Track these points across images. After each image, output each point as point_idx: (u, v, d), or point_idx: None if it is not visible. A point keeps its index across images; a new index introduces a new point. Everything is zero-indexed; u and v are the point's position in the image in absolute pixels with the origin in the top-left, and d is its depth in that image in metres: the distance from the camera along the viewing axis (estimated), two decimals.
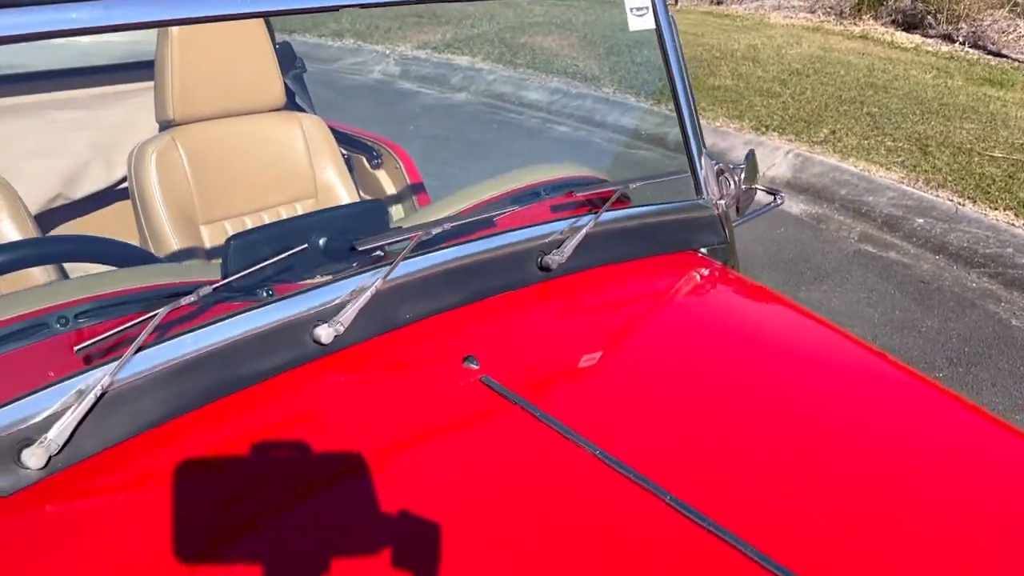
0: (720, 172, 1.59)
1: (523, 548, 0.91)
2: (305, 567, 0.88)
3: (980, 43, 8.61)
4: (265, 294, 1.13)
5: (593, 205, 1.45)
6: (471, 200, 1.41)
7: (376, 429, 1.05)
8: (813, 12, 10.07)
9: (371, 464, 0.99)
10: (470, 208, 1.37)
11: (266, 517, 0.94)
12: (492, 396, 1.08)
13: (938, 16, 8.88)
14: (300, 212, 2.26)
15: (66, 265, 1.73)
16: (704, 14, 10.51)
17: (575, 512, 0.96)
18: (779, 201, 1.67)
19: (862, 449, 1.13)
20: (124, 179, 2.47)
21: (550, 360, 1.20)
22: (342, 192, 2.30)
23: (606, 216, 1.43)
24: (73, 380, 0.95)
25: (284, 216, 2.27)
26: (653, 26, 1.50)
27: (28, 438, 0.91)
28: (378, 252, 1.22)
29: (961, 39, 8.72)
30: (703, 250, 1.58)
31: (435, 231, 1.23)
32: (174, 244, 2.06)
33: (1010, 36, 8.58)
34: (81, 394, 0.94)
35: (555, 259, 1.33)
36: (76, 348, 0.95)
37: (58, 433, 0.91)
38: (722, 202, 1.58)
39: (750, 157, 1.68)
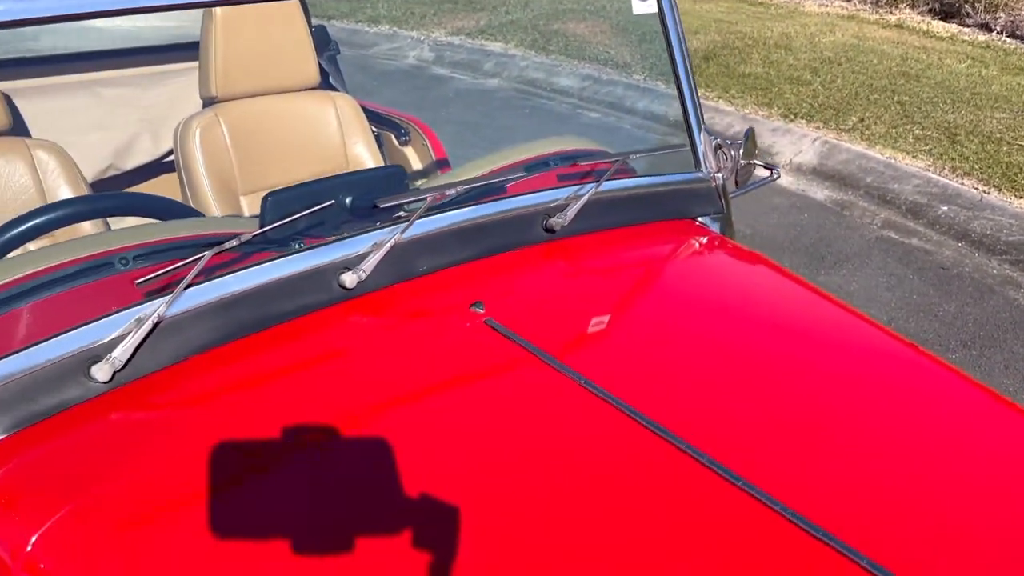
0: (718, 147, 1.71)
1: (511, 464, 1.05)
2: (326, 470, 1.03)
3: (1018, 32, 8.50)
4: (297, 246, 1.29)
5: (597, 175, 1.58)
6: (485, 168, 1.55)
7: (391, 361, 1.20)
8: (848, 0, 10.01)
9: (385, 390, 1.14)
10: (483, 175, 1.51)
11: (295, 430, 1.10)
12: (495, 336, 1.22)
13: (976, 5, 8.78)
14: None
15: (110, 221, 1.91)
16: (738, 2, 10.48)
17: (560, 434, 1.10)
18: (775, 176, 1.78)
19: (843, 388, 1.25)
20: (170, 152, 2.65)
21: (549, 307, 1.34)
22: (371, 166, 2.45)
23: (609, 184, 1.56)
24: (133, 310, 1.11)
25: None
26: (656, 10, 1.62)
27: (96, 356, 1.07)
28: (398, 211, 1.37)
29: (999, 28, 8.63)
30: (700, 219, 1.70)
31: (449, 192, 1.37)
32: (216, 212, 2.23)
33: None
34: (140, 322, 1.10)
35: (558, 222, 1.46)
36: (136, 281, 1.11)
37: (121, 352, 1.07)
38: (719, 175, 1.70)
39: (749, 134, 1.79)
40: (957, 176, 5.23)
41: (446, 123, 6.23)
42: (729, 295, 1.51)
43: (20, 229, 1.31)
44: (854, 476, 1.08)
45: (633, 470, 1.05)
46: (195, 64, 2.35)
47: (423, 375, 1.19)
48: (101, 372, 1.06)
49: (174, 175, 2.36)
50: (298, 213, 1.26)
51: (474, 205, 1.43)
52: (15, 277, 1.12)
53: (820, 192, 5.31)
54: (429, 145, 2.64)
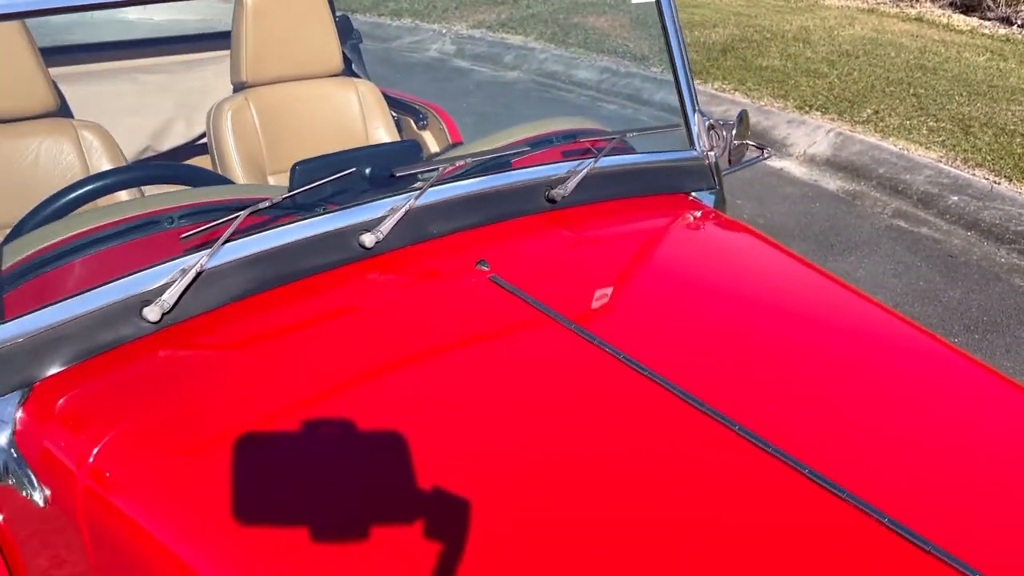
0: (711, 127, 1.84)
1: (510, 404, 1.19)
2: (347, 406, 1.18)
3: None
4: (322, 209, 1.44)
5: (597, 151, 1.72)
6: (494, 144, 1.69)
7: (405, 310, 1.35)
8: None
9: (399, 335, 1.29)
10: (492, 149, 1.65)
11: (319, 369, 1.25)
12: (499, 291, 1.37)
13: None
14: None
15: (145, 191, 2.07)
16: None
17: (556, 378, 1.24)
18: (767, 155, 1.91)
19: (831, 349, 1.37)
20: (202, 135, 2.82)
21: (548, 266, 1.48)
22: None
23: (608, 160, 1.70)
24: (179, 261, 1.27)
25: None
26: (654, 0, 1.75)
27: (147, 299, 1.23)
28: (414, 180, 1.51)
29: (1020, 22, 8.62)
30: (695, 194, 1.83)
31: (460, 164, 1.51)
32: None
33: None
34: (184, 272, 1.26)
35: (559, 192, 1.60)
36: (182, 236, 1.26)
37: (168, 296, 1.23)
38: (712, 153, 1.83)
39: (742, 116, 1.91)
40: (969, 167, 5.30)
41: (467, 113, 6.38)
42: (715, 260, 1.64)
43: (81, 192, 1.48)
44: (844, 422, 1.17)
45: (623, 410, 1.18)
46: (227, 52, 2.51)
47: (433, 324, 1.33)
48: (152, 313, 1.21)
49: (206, 156, 2.53)
50: (323, 179, 1.41)
51: (482, 176, 1.57)
52: (78, 231, 1.28)
53: (833, 182, 5.40)
54: (446, 129, 2.79)
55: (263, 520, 0.97)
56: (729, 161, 1.92)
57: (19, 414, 1.16)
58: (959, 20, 8.93)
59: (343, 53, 2.64)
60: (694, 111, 1.84)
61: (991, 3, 8.90)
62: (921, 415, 1.25)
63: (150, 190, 1.93)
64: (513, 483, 1.04)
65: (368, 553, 0.94)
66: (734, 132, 1.89)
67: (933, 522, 1.00)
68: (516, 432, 1.13)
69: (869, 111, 6.20)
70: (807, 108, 6.32)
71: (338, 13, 2.96)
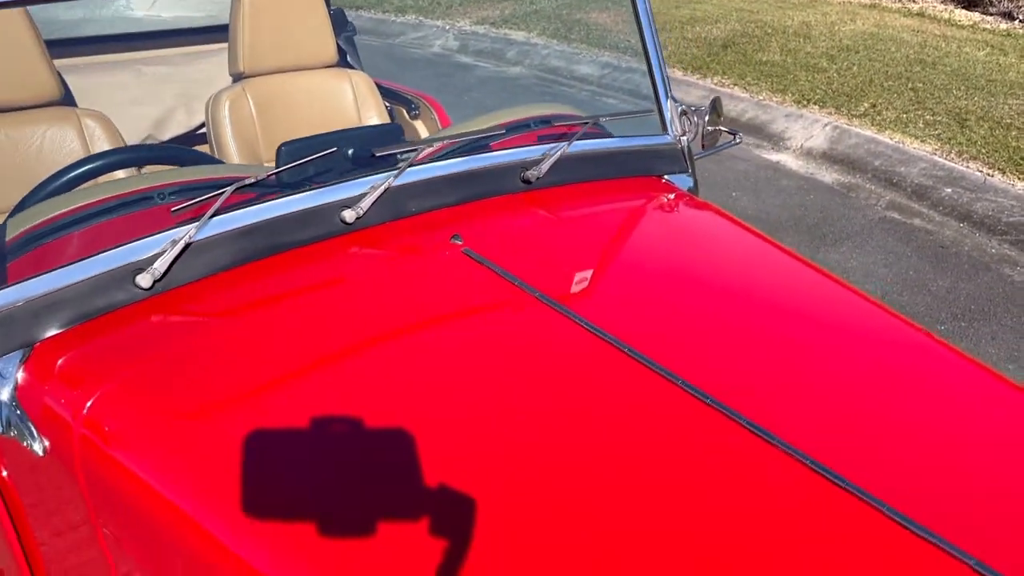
0: (683, 113, 1.91)
1: (479, 367, 1.28)
2: (330, 367, 1.26)
3: None
4: (306, 186, 1.52)
5: (571, 135, 1.80)
6: (473, 127, 1.78)
7: (383, 280, 1.44)
8: None
9: (377, 303, 1.38)
10: (470, 131, 1.73)
11: (300, 335, 1.33)
12: (471, 263, 1.45)
13: None
14: None
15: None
16: None
17: (522, 344, 1.32)
18: (738, 140, 1.98)
19: (796, 328, 1.44)
20: (202, 125, 2.92)
21: (520, 241, 1.57)
22: None
23: (582, 144, 1.78)
24: (169, 232, 1.36)
25: None
26: None
27: (140, 268, 1.32)
28: (394, 160, 1.60)
29: (1022, 17, 8.64)
30: (668, 177, 1.91)
31: (438, 146, 1.60)
32: None
33: None
34: (174, 243, 1.35)
35: (534, 174, 1.69)
36: (172, 210, 1.36)
37: (160, 265, 1.32)
38: (684, 138, 1.91)
39: (714, 102, 1.99)
40: (963, 160, 5.35)
41: (468, 107, 6.47)
42: (685, 239, 1.72)
43: (84, 169, 1.57)
44: (820, 397, 1.22)
45: (590, 377, 1.24)
46: (226, 45, 2.61)
47: (409, 292, 1.42)
48: (144, 280, 1.31)
49: (205, 146, 2.62)
50: (307, 158, 1.50)
51: (460, 158, 1.66)
52: (77, 205, 1.38)
53: (828, 175, 5.46)
54: (437, 119, 2.88)
55: (243, 464, 1.06)
56: (703, 146, 2.00)
57: (20, 372, 1.25)
58: (961, 15, 8.95)
59: (338, 45, 2.73)
60: (667, 97, 1.92)
61: None
62: (911, 404, 1.27)
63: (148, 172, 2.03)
64: (488, 448, 1.10)
65: (350, 501, 1.02)
66: (707, 118, 1.97)
67: (932, 511, 1.01)
68: (487, 397, 1.21)
69: (867, 105, 6.26)
70: (805, 102, 6.38)
71: (333, 7, 3.05)
